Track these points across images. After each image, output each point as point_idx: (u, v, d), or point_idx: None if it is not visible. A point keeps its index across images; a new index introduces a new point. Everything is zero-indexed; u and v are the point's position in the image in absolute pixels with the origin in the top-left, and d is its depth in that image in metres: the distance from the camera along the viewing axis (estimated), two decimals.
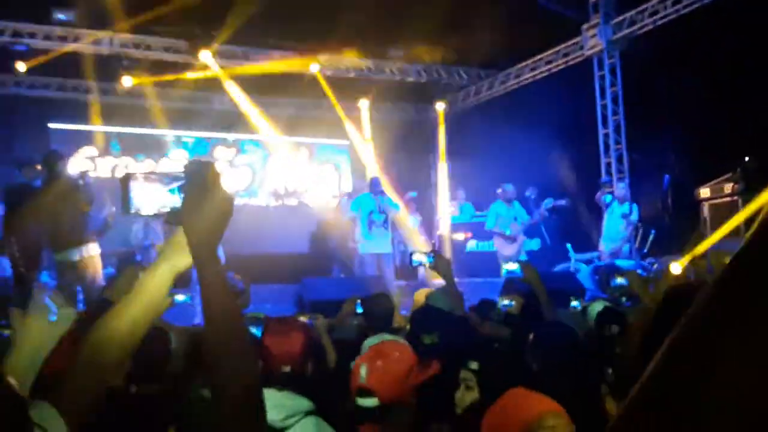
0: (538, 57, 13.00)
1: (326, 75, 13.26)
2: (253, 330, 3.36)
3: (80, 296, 7.01)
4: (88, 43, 11.54)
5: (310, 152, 14.79)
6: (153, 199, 1.43)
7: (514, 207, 10.68)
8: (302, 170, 14.61)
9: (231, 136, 13.99)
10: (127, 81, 12.45)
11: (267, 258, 12.34)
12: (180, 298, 5.74)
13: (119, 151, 13.09)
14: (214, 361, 1.24)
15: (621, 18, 11.34)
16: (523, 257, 9.84)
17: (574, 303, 4.90)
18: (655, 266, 9.05)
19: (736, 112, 9.32)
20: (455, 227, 12.80)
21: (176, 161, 13.01)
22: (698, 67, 9.62)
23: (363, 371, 2.45)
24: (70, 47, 11.46)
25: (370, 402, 2.42)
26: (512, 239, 10.49)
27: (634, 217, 10.24)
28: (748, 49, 9.05)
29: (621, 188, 10.63)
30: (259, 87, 13.10)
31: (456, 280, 4.23)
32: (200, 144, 13.90)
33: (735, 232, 9.48)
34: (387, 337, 3.31)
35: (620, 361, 2.27)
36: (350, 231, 10.41)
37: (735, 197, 9.77)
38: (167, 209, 1.41)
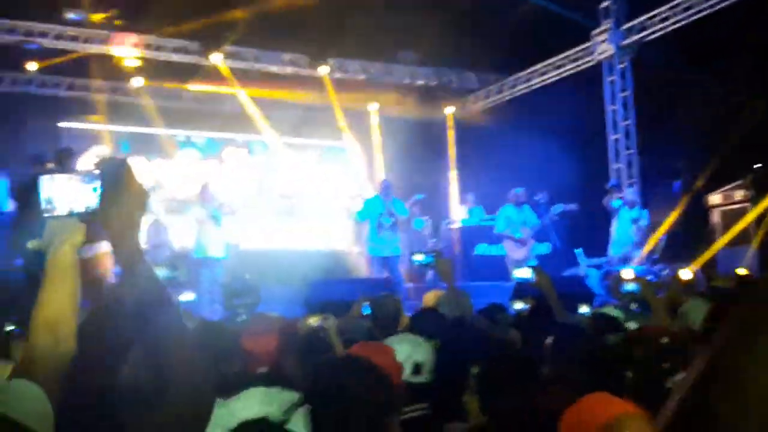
0: (548, 61, 12.98)
1: (335, 78, 13.28)
2: None
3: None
4: (98, 43, 11.59)
5: (318, 154, 14.80)
6: (66, 197, 1.47)
7: (525, 211, 10.65)
8: (311, 172, 14.62)
9: (241, 137, 14.01)
10: (137, 81, 12.50)
11: (277, 259, 12.35)
12: (187, 297, 5.76)
13: (129, 151, 13.13)
14: None
15: (632, 23, 11.31)
16: (533, 262, 9.79)
17: (585, 308, 4.87)
18: (665, 272, 9.01)
19: (747, 118, 9.27)
20: (465, 230, 12.77)
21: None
22: (709, 72, 9.59)
23: None
24: (80, 47, 11.51)
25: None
26: (522, 243, 10.46)
27: (644, 222, 10.20)
28: (760, 54, 9.01)
29: (631, 193, 10.59)
30: (268, 88, 13.14)
31: (464, 283, 4.21)
32: (210, 144, 13.93)
33: (744, 238, 9.45)
34: (410, 337, 3.29)
35: (640, 365, 2.26)
36: (358, 234, 10.42)
37: (746, 204, 9.72)
38: (82, 210, 1.45)
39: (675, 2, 10.60)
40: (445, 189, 15.35)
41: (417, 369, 2.79)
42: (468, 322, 3.89)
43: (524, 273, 4.09)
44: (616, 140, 11.70)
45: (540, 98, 12.87)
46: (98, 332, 1.58)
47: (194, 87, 12.84)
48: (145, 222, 10.18)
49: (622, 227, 10.25)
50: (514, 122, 12.29)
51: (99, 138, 12.81)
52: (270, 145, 13.92)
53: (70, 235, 1.50)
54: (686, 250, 9.50)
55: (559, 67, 12.84)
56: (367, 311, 4.43)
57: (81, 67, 12.20)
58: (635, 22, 11.25)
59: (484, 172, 13.14)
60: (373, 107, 14.57)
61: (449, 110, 14.99)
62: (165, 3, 10.36)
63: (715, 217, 10.15)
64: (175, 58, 12.17)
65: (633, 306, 5.47)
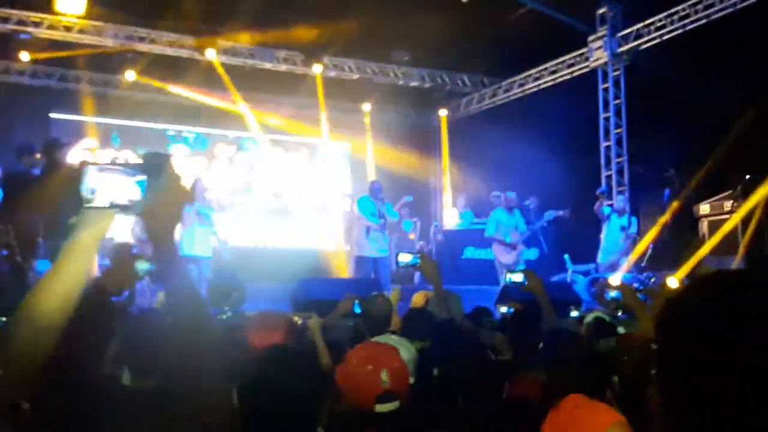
0: (543, 66, 12.98)
1: (329, 77, 13.24)
2: None
3: None
4: (92, 34, 11.51)
5: (309, 152, 14.77)
6: (108, 190, 1.46)
7: (515, 215, 10.66)
8: (302, 169, 14.59)
9: (231, 133, 13.96)
10: (130, 75, 12.43)
11: (264, 257, 12.32)
12: None
13: (119, 144, 13.07)
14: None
15: (627, 31, 11.32)
16: (522, 266, 9.80)
17: (574, 313, 4.88)
18: (653, 280, 9.03)
19: (738, 129, 9.30)
20: (455, 234, 12.77)
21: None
22: (702, 82, 9.60)
23: (384, 376, 2.39)
24: (74, 38, 11.43)
25: (391, 406, 2.37)
26: (512, 247, 10.46)
27: (633, 230, 10.23)
28: (754, 65, 9.04)
29: (620, 201, 10.62)
30: (261, 85, 13.10)
31: (451, 286, 4.20)
32: (200, 139, 13.87)
33: (730, 247, 9.47)
34: (393, 338, 3.26)
35: (626, 369, 2.25)
36: (347, 234, 10.39)
37: (734, 215, 9.74)
38: (125, 202, 1.45)
39: (671, 11, 10.62)
40: (435, 191, 15.35)
41: None
42: (458, 324, 3.87)
43: (517, 276, 4.07)
44: (608, 147, 11.72)
45: (534, 103, 12.88)
46: (80, 325, 1.57)
47: (184, 92, 12.81)
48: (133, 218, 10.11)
49: (611, 234, 10.28)
50: (508, 126, 12.28)
51: (90, 130, 12.72)
52: (260, 142, 13.88)
53: (96, 226, 1.50)
54: (674, 258, 9.51)
55: (554, 72, 12.85)
56: (357, 310, 4.39)
57: (73, 58, 12.13)
58: (631, 29, 11.26)
59: (476, 175, 13.14)
60: (366, 107, 14.55)
61: (443, 112, 14.99)
62: None
63: (704, 227, 10.17)
64: (170, 51, 12.10)
65: (618, 313, 5.48)
